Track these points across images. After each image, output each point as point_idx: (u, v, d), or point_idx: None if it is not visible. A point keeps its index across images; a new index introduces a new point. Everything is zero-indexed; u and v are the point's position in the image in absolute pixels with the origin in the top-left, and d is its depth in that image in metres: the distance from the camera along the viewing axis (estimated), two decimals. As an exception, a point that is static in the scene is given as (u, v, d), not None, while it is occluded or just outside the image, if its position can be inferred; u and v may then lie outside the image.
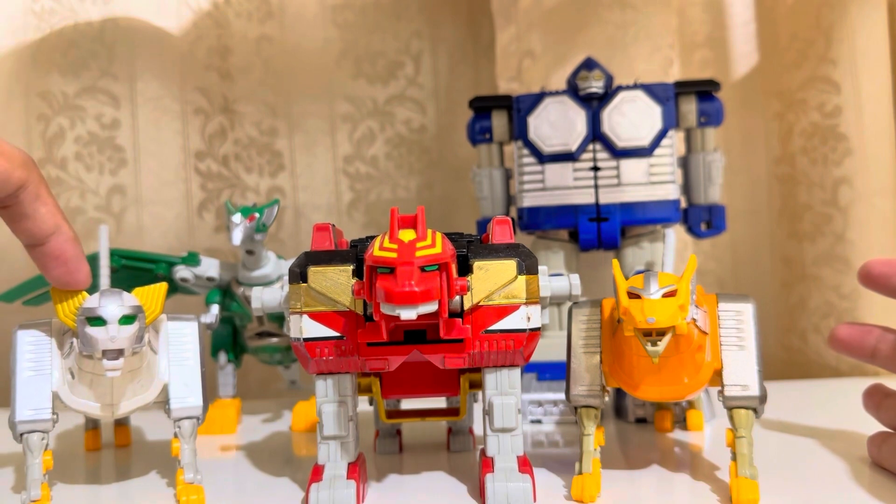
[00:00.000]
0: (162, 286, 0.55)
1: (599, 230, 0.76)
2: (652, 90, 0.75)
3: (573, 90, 0.76)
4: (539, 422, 0.76)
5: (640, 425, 0.74)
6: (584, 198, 0.76)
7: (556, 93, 0.77)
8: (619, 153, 0.75)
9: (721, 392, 0.54)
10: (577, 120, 0.75)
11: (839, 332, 0.62)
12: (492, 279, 0.52)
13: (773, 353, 1.03)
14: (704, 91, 0.77)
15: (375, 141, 1.09)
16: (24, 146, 1.03)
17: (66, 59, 1.03)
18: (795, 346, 1.03)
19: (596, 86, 0.75)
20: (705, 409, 0.73)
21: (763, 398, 0.54)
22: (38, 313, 0.67)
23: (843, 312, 0.98)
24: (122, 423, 0.74)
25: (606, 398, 0.56)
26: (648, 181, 0.75)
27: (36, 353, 0.56)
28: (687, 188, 0.79)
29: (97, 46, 1.03)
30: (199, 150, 1.06)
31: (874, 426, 0.61)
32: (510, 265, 0.52)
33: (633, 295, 0.51)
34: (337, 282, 0.52)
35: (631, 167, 0.75)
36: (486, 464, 0.54)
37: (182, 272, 0.77)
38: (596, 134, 0.75)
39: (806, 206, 1.00)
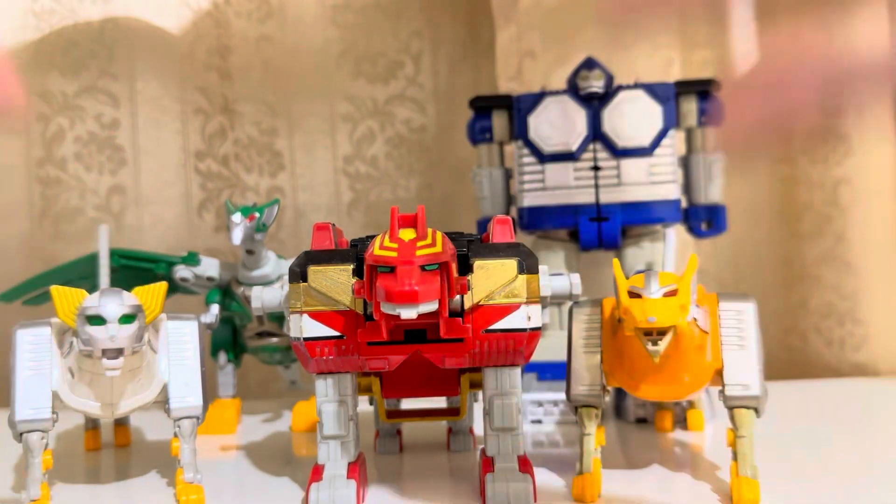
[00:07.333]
0: (162, 285, 0.55)
1: (600, 230, 0.75)
2: (652, 90, 0.75)
3: (573, 90, 0.76)
4: (539, 422, 0.75)
5: (641, 425, 0.74)
6: (585, 197, 0.75)
7: (557, 92, 0.76)
8: (619, 153, 0.75)
9: (722, 392, 0.54)
10: (577, 119, 0.75)
11: None
12: (492, 278, 0.52)
13: (773, 354, 1.03)
14: (705, 91, 0.77)
15: (375, 141, 1.08)
16: (24, 146, 1.03)
17: (66, 58, 1.03)
18: (796, 346, 1.03)
19: (596, 85, 0.75)
20: (706, 408, 0.73)
21: (764, 398, 0.54)
22: (38, 313, 0.67)
23: (844, 312, 0.98)
24: (121, 423, 0.73)
25: (607, 398, 0.56)
26: (649, 181, 0.75)
27: (36, 353, 0.56)
28: (687, 188, 0.79)
29: (97, 46, 1.03)
30: (198, 150, 1.05)
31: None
32: (510, 264, 0.52)
33: (633, 294, 0.51)
34: (337, 281, 0.52)
35: (631, 167, 0.75)
36: (487, 464, 0.54)
37: (182, 272, 0.77)
38: (596, 133, 0.75)
39: (806, 206, 1.00)
